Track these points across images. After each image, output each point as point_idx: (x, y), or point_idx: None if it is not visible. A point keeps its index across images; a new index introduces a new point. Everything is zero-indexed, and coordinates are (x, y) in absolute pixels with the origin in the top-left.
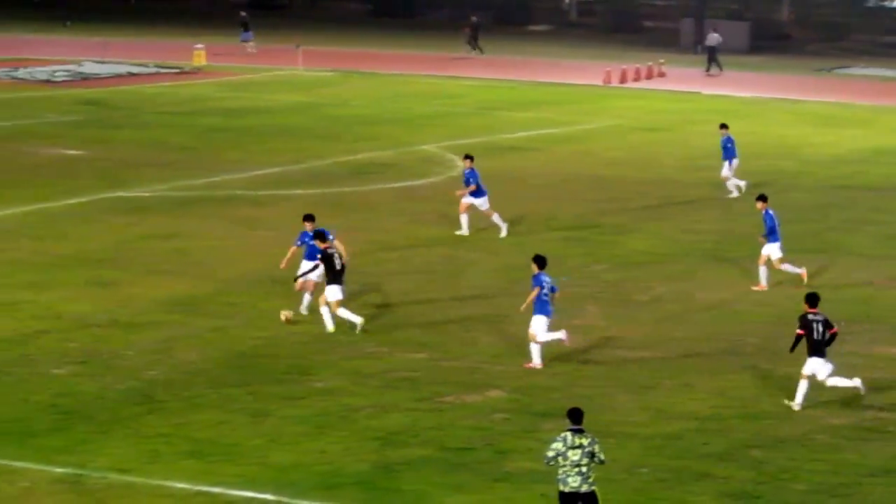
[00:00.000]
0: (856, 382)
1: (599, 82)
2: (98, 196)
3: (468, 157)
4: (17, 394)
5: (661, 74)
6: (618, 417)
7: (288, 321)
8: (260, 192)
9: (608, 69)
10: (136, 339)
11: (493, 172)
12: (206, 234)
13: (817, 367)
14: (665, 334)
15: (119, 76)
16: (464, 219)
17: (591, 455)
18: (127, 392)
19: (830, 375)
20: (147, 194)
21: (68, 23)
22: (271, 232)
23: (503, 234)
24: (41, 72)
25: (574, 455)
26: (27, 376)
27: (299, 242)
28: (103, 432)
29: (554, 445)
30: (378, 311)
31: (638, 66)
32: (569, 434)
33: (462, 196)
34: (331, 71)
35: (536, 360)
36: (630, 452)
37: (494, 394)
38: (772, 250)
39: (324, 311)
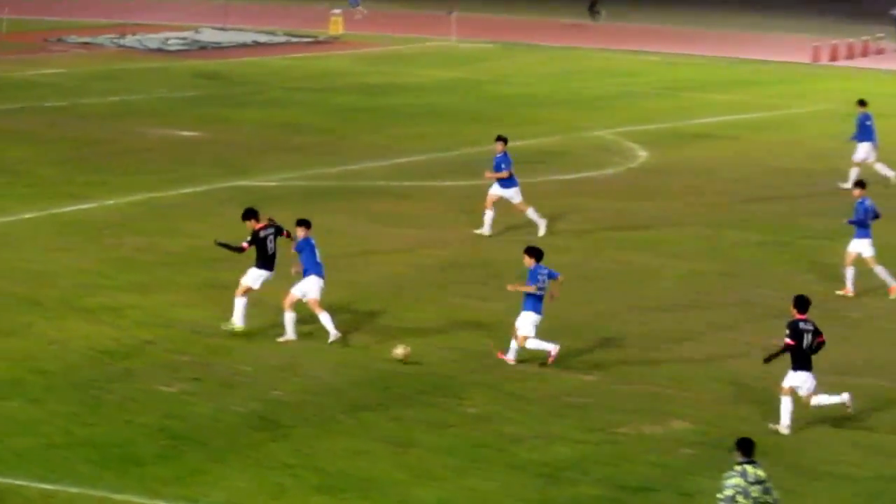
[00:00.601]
0: (843, 398)
1: (806, 59)
2: (215, 185)
3: (501, 138)
4: (120, 415)
5: (879, 51)
6: (825, 455)
7: (406, 359)
8: (405, 184)
9: (816, 44)
10: (257, 353)
11: (678, 164)
12: (342, 231)
13: (801, 382)
14: (882, 357)
15: (242, 46)
16: (488, 216)
17: (768, 490)
18: (247, 415)
19: (814, 393)
20: (272, 184)
21: None
22: (418, 230)
23: (541, 232)
24: (152, 39)
25: (755, 492)
26: (131, 394)
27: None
28: (219, 461)
29: (731, 482)
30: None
31: (851, 40)
32: (748, 467)
33: (490, 182)
34: (489, 42)
35: (511, 356)
36: (841, 499)
37: (678, 424)
38: (862, 247)
39: (238, 302)
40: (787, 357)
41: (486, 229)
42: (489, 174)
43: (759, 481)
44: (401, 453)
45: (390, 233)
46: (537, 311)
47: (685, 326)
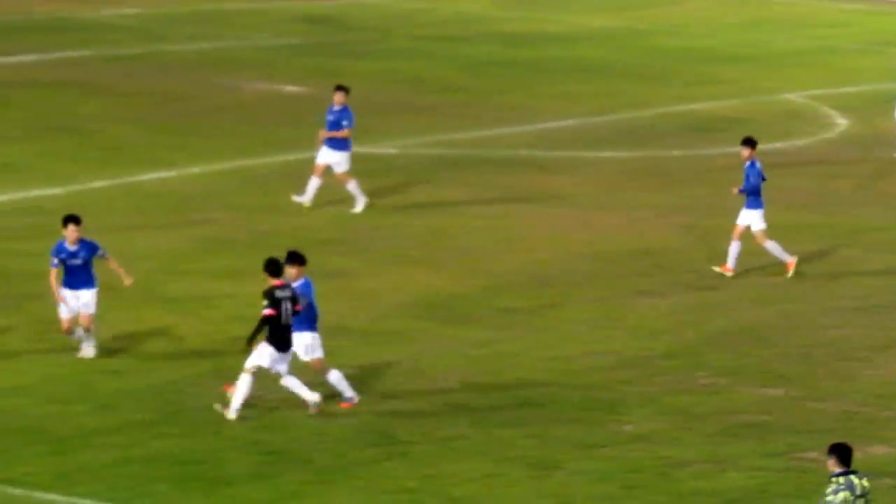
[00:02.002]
0: (314, 398)
1: None
2: None
3: (341, 87)
4: (208, 425)
5: None
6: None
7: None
8: (551, 153)
9: None
10: (373, 354)
11: (886, 134)
12: (475, 209)
13: (277, 361)
14: None
15: None
16: (313, 184)
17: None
18: (358, 428)
19: (289, 374)
20: (393, 151)
21: None
22: (566, 209)
23: (358, 208)
24: None
25: None
26: (220, 400)
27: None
28: (323, 483)
29: (840, 496)
30: (716, 327)
31: None
32: (853, 478)
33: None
34: None
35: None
36: None
37: (879, 450)
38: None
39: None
40: None
41: (306, 198)
42: (323, 133)
43: (864, 494)
44: (542, 478)
45: (532, 213)
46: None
47: (889, 333)
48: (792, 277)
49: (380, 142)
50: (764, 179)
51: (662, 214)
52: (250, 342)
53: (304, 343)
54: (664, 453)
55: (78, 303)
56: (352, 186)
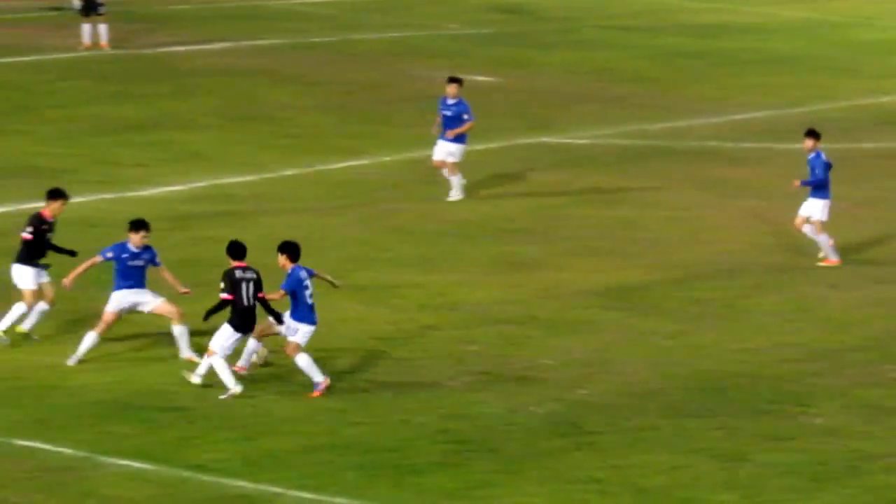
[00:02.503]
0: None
1: None
2: (513, 142)
3: (454, 80)
4: (395, 413)
5: None
6: None
7: None
8: (741, 145)
9: None
10: (561, 344)
11: None
12: (666, 201)
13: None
14: None
15: None
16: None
17: None
18: (546, 417)
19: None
20: (583, 142)
21: None
22: (756, 201)
23: (454, 197)
24: None
25: None
26: (409, 389)
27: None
28: (511, 472)
29: None
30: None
31: None
32: None
33: None
34: None
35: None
36: None
37: None
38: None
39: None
40: None
41: (455, 194)
42: (444, 131)
43: None
44: (730, 470)
45: (722, 204)
46: (311, 322)
47: None
48: None
49: (568, 132)
50: (830, 166)
51: (852, 207)
52: (206, 318)
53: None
54: (854, 446)
55: (134, 299)
56: (456, 179)
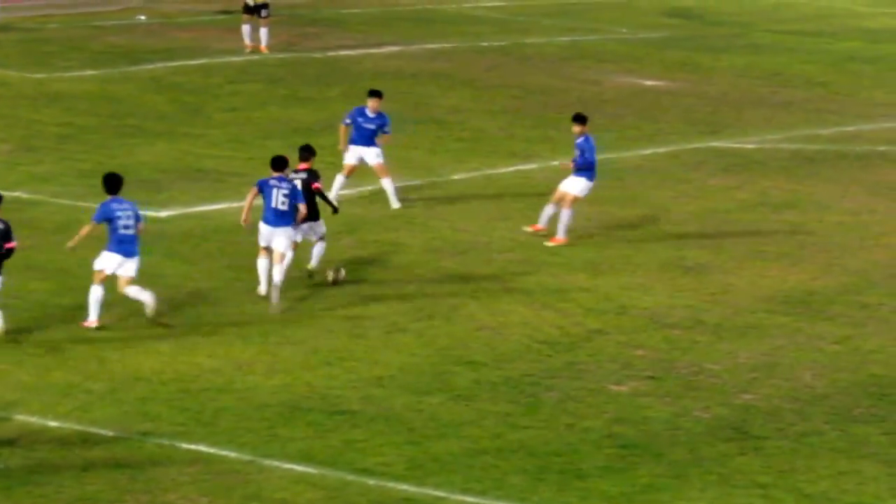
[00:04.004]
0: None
1: None
2: (684, 146)
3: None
4: (561, 417)
5: None
6: None
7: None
8: None
9: None
10: (728, 349)
11: None
12: (835, 205)
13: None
14: None
15: None
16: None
17: None
18: (713, 422)
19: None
20: (753, 146)
21: None
22: None
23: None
24: None
25: None
26: (575, 393)
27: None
28: (676, 476)
29: None
30: None
31: None
32: None
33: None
34: None
35: (92, 318)
36: None
37: None
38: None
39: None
40: None
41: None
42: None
43: None
44: None
45: (893, 209)
46: (124, 253)
47: None
48: None
49: (739, 137)
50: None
51: None
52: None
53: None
54: None
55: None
56: (388, 182)
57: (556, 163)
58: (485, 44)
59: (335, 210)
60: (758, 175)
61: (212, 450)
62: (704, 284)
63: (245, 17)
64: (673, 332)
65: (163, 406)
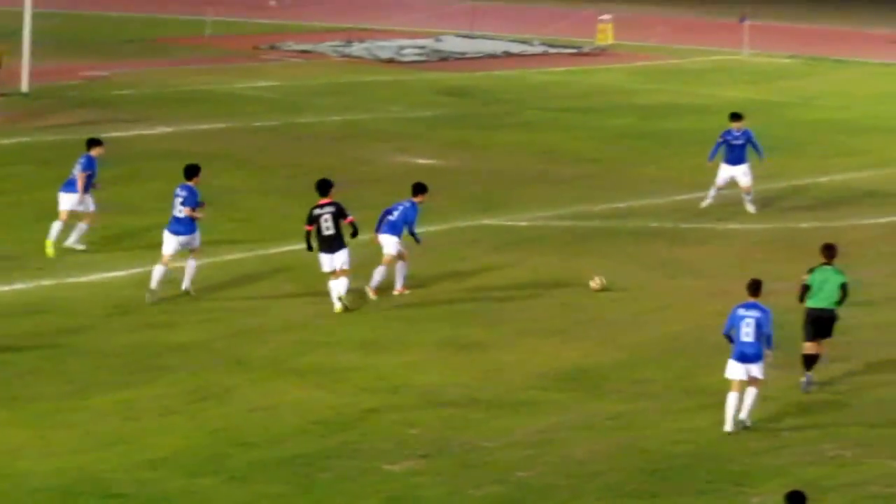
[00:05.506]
0: None
1: None
2: (458, 224)
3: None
4: (336, 498)
5: None
6: None
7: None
8: (684, 225)
9: None
10: (502, 426)
11: None
12: (607, 281)
13: None
14: None
15: (491, 57)
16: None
17: None
18: (487, 500)
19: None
20: (525, 224)
21: None
22: (699, 281)
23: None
24: (383, 48)
25: None
26: (350, 473)
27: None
28: None
29: None
30: (845, 400)
31: None
32: None
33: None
34: (789, 56)
35: None
36: None
37: None
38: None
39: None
40: None
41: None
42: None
43: None
44: None
45: (665, 285)
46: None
47: None
48: None
49: (512, 214)
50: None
51: (794, 286)
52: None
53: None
54: None
55: None
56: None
57: None
58: (257, 124)
59: None
60: (531, 252)
61: None
62: (479, 362)
63: None
64: (447, 409)
65: None
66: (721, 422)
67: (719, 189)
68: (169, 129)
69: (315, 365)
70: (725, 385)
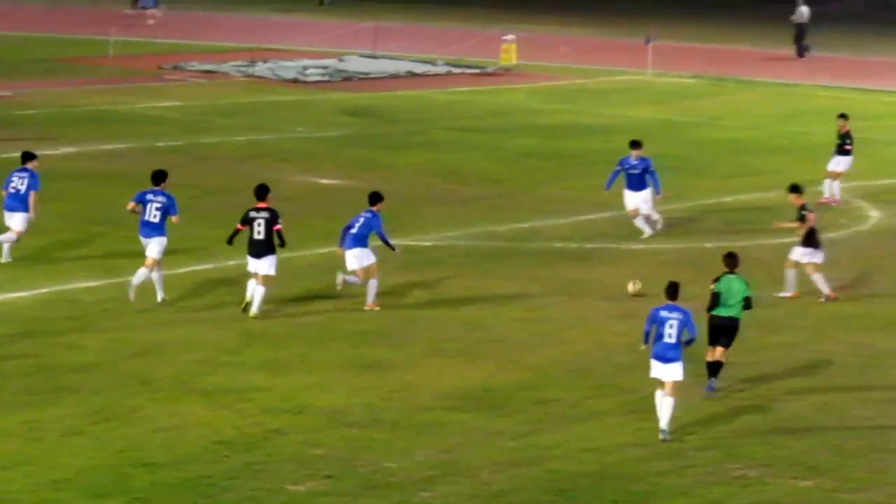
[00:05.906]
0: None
1: None
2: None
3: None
4: None
5: None
6: None
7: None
8: (588, 245)
9: None
10: (406, 447)
11: None
12: (511, 302)
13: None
14: None
15: (395, 77)
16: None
17: None
18: None
19: None
20: (429, 244)
21: (326, 0)
22: (604, 301)
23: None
24: (287, 68)
25: None
26: (253, 494)
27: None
28: None
29: None
30: (748, 419)
31: None
32: None
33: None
34: (693, 77)
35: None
36: None
37: None
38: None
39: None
40: None
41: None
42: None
43: None
44: None
45: (570, 305)
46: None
47: None
48: (824, 368)
49: (416, 234)
50: None
51: (700, 307)
52: None
53: None
54: None
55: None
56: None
57: (232, 262)
58: (161, 144)
59: None
60: (435, 272)
61: None
62: (383, 382)
63: None
64: (351, 430)
65: None
66: (624, 444)
67: (634, 218)
68: (72, 150)
69: (219, 385)
70: (627, 405)
